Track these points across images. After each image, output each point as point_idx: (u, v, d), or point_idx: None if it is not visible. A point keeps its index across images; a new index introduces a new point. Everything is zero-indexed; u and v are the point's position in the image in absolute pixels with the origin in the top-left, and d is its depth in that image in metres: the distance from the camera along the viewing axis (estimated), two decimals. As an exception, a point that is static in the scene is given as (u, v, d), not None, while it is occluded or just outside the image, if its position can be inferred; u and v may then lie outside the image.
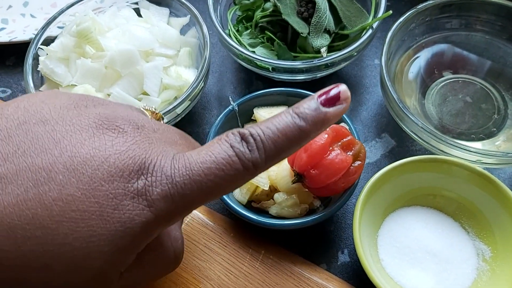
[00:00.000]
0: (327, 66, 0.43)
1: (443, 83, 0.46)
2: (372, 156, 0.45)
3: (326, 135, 0.36)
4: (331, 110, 0.25)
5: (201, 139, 0.47)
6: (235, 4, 0.49)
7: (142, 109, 0.31)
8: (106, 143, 0.24)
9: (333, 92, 0.26)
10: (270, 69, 0.44)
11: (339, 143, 0.36)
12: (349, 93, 0.26)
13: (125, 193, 0.23)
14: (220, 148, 0.24)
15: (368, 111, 0.48)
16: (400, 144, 0.45)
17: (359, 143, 0.37)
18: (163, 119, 0.34)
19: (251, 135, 0.24)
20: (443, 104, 0.45)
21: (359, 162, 0.37)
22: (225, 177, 0.24)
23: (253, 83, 0.50)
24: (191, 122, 0.48)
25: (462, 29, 0.47)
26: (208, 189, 0.24)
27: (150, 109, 0.32)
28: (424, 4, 0.45)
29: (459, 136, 0.43)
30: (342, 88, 0.26)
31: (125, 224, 0.23)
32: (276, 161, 0.25)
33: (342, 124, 0.41)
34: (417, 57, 0.47)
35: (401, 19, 0.44)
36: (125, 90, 0.42)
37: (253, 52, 0.44)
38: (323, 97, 0.25)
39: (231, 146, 0.24)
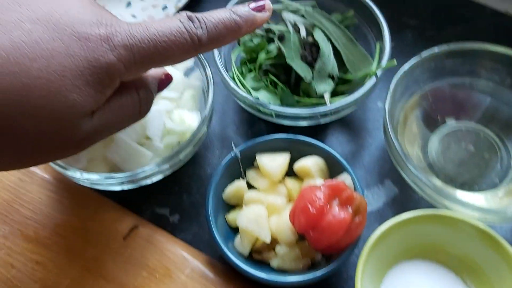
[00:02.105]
0: (330, 113, 0.43)
1: (446, 130, 0.46)
2: (374, 204, 0.45)
3: (322, 195, 0.35)
4: (258, 14, 0.34)
5: (203, 181, 0.47)
6: (239, 45, 0.49)
7: None
8: (62, 1, 0.29)
9: (260, 3, 0.34)
10: (273, 115, 0.44)
11: (337, 200, 0.36)
12: (271, 6, 0.35)
13: (88, 37, 0.28)
14: (171, 21, 0.30)
15: (371, 156, 0.48)
16: (403, 191, 0.45)
17: (359, 196, 0.37)
18: None
19: (196, 17, 0.31)
20: (446, 152, 0.45)
21: (360, 217, 0.37)
22: (176, 42, 0.30)
23: (256, 124, 0.50)
24: (192, 163, 0.48)
25: (467, 76, 0.46)
26: (162, 48, 0.29)
27: None
28: (429, 52, 0.44)
29: (462, 186, 0.43)
30: (267, 1, 0.35)
31: (92, 63, 0.28)
32: (216, 44, 0.32)
33: (344, 174, 0.41)
34: (421, 103, 0.47)
35: (406, 67, 0.44)
36: (127, 134, 0.42)
37: (257, 98, 0.44)
38: (253, 5, 0.34)
39: (181, 21, 0.30)
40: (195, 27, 0.31)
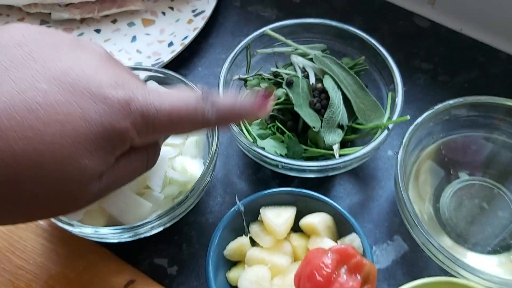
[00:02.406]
0: (339, 167, 0.42)
1: (459, 185, 0.44)
2: (383, 261, 0.43)
3: (330, 262, 0.34)
4: (261, 111, 0.34)
5: (204, 230, 0.45)
6: (246, 88, 0.48)
7: None
8: (78, 58, 0.28)
9: (263, 102, 0.34)
10: (280, 166, 0.42)
11: (346, 267, 0.34)
12: (271, 106, 0.35)
13: (105, 100, 0.27)
14: (188, 98, 0.31)
15: (380, 208, 0.46)
16: (413, 248, 0.43)
17: (369, 263, 0.35)
18: None
19: (211, 99, 0.31)
20: (459, 209, 0.43)
21: (370, 286, 0.35)
22: (188, 117, 0.30)
23: (261, 169, 0.49)
24: (193, 210, 0.46)
25: (482, 129, 0.45)
26: (175, 120, 0.30)
27: None
28: (443, 105, 0.43)
29: (474, 247, 0.41)
30: (270, 103, 0.34)
31: (107, 128, 0.27)
32: (221, 125, 0.37)
33: (353, 234, 0.39)
34: (434, 156, 0.45)
35: (418, 120, 0.42)
36: (127, 184, 0.40)
37: (263, 148, 0.42)
38: (258, 100, 0.34)
39: (197, 101, 0.31)
40: (207, 109, 0.31)
